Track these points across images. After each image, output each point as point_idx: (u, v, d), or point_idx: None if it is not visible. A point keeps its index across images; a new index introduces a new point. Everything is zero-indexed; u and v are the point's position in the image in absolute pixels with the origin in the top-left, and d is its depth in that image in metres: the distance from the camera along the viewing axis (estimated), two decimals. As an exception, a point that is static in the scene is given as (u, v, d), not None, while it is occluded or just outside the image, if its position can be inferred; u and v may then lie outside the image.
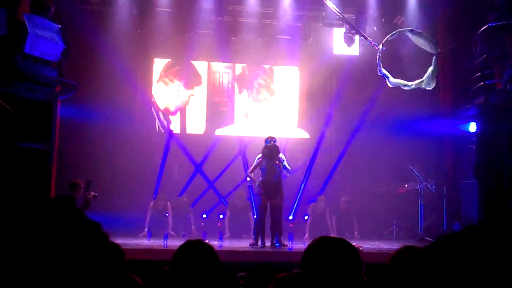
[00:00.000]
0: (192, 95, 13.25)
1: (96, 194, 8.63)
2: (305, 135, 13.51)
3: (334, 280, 2.07)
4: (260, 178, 9.54)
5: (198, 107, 13.28)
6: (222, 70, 13.46)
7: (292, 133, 13.41)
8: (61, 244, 1.12)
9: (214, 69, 13.43)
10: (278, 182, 9.49)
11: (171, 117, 13.18)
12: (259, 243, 9.33)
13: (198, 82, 13.33)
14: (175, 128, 13.11)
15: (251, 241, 9.55)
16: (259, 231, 9.38)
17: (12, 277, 1.09)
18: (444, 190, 11.54)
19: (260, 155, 9.60)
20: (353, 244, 2.34)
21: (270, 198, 9.39)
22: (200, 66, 13.38)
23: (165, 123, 13.09)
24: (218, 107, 13.39)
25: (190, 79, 13.31)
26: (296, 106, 13.55)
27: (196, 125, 13.24)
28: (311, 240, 2.31)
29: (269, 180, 9.41)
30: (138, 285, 2.51)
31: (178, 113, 13.21)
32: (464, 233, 1.08)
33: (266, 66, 13.55)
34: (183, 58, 13.15)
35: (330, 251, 2.16)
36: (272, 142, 9.65)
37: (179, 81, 13.23)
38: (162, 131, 13.06)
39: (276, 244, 9.29)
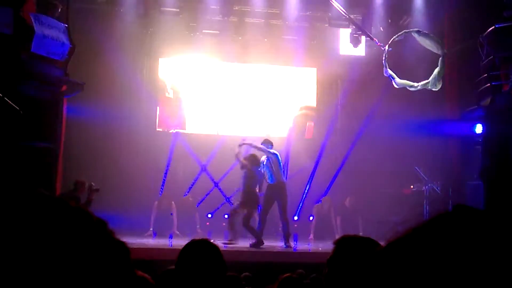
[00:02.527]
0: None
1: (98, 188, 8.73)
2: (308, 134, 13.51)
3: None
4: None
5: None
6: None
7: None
8: (67, 241, 1.12)
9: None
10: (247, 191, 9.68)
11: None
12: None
13: None
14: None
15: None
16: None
17: (16, 276, 1.09)
18: (450, 191, 11.49)
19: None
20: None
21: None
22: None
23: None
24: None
25: None
26: (301, 107, 13.53)
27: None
28: (337, 238, 2.27)
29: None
30: (147, 283, 2.51)
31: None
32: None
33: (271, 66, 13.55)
34: (189, 57, 13.16)
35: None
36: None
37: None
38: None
39: (284, 246, 9.34)
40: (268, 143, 9.83)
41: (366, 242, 2.18)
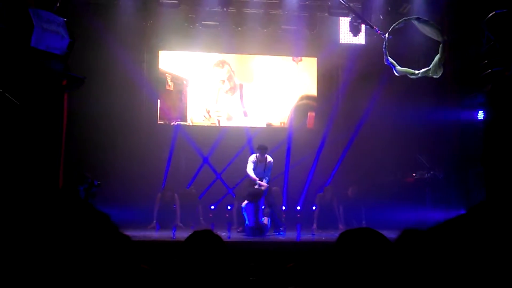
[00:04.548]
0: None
1: (100, 183, 8.72)
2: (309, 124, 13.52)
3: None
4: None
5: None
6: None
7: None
8: (72, 235, 1.13)
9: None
10: None
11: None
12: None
13: None
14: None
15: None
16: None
17: (22, 268, 1.10)
18: (452, 178, 11.48)
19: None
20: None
21: None
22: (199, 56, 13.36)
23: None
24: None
25: None
26: (302, 97, 13.53)
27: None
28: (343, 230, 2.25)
29: None
30: (148, 273, 2.52)
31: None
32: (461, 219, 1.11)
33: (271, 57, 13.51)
34: (188, 49, 13.15)
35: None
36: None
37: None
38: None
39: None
40: (263, 148, 10.45)
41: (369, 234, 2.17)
